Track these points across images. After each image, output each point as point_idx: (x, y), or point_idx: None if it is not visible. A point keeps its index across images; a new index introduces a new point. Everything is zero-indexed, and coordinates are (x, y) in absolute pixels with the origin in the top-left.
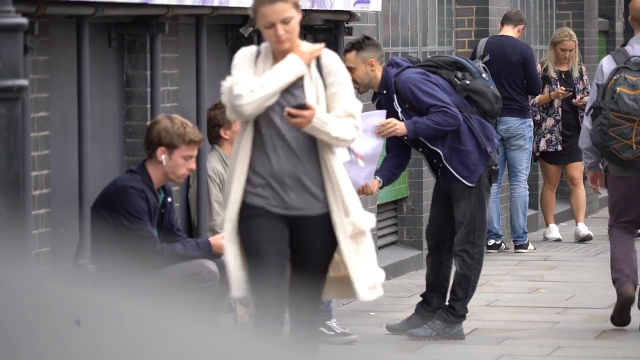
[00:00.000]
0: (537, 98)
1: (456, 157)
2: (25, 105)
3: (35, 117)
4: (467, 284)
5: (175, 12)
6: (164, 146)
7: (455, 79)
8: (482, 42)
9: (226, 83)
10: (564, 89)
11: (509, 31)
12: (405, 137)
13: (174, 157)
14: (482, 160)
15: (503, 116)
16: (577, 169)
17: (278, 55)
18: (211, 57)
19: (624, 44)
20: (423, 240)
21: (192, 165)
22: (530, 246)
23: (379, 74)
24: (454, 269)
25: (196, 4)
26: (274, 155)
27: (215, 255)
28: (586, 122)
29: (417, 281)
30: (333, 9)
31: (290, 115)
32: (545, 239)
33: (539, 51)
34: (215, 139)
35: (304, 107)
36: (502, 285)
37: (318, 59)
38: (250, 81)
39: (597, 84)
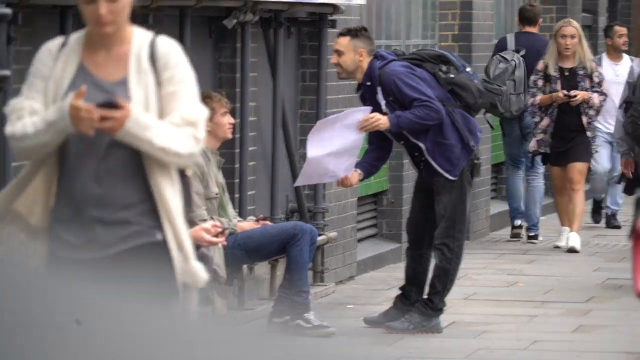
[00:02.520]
0: (539, 98)
1: (439, 151)
2: (8, 96)
3: None
4: (446, 278)
5: (159, 3)
6: None
7: (440, 73)
8: (511, 36)
9: (7, 107)
10: (564, 93)
11: (533, 29)
12: (388, 131)
13: None
14: (464, 154)
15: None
16: (577, 171)
17: (96, 41)
18: (195, 49)
19: None
20: (402, 233)
21: None
22: (540, 237)
23: (365, 65)
24: (433, 262)
25: None
26: (81, 176)
27: (195, 246)
28: (619, 115)
29: (395, 274)
30: (317, 1)
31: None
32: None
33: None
34: None
35: (114, 105)
36: (481, 279)
37: (152, 47)
38: (27, 114)
39: (628, 82)
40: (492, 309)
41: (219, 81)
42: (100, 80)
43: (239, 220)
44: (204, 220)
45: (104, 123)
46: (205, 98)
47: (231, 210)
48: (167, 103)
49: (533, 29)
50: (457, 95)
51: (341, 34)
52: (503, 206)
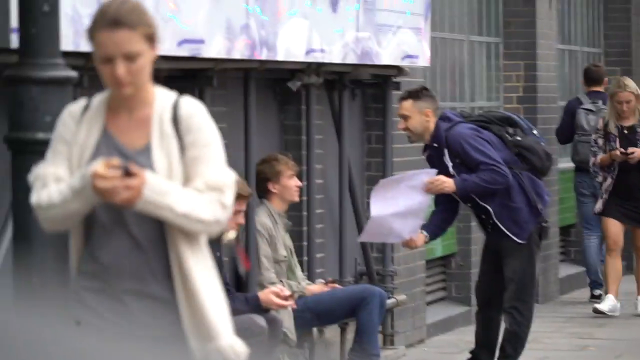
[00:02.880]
0: (599, 158)
1: (506, 214)
2: None
3: None
4: (516, 342)
5: (223, 65)
6: None
7: (507, 135)
8: (582, 95)
9: (31, 174)
10: (621, 151)
11: (600, 88)
12: (455, 194)
13: None
14: (532, 217)
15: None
16: None
17: (117, 103)
18: (259, 110)
19: None
20: (472, 296)
21: (241, 220)
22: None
23: (432, 125)
24: (503, 325)
25: (244, 57)
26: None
27: (264, 310)
28: None
29: (465, 337)
30: (381, 63)
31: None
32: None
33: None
34: (263, 193)
35: (128, 173)
36: (551, 343)
37: (175, 109)
38: (52, 182)
39: None
40: None
41: (285, 144)
42: (123, 147)
43: (307, 284)
44: (273, 284)
45: (119, 195)
46: (272, 160)
47: (300, 273)
48: (191, 168)
49: (599, 88)
50: (525, 158)
51: (403, 98)
52: (572, 269)
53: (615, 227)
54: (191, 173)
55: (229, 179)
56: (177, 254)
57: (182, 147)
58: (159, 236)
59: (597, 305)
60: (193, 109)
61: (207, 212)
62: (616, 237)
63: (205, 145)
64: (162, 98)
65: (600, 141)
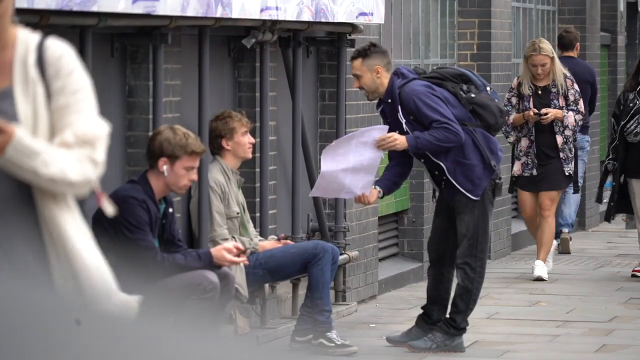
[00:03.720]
0: (512, 118)
1: (460, 171)
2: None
3: None
4: (468, 297)
5: (178, 23)
6: (166, 157)
7: (461, 92)
8: None
9: None
10: (535, 111)
11: (571, 53)
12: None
13: (175, 168)
14: (486, 174)
15: None
16: (548, 198)
17: None
18: (214, 68)
19: None
20: (424, 253)
21: (194, 176)
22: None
23: (385, 81)
24: (454, 281)
25: (199, 14)
26: None
27: (216, 266)
28: None
29: (417, 293)
30: (335, 21)
31: None
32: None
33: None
34: (217, 149)
35: None
36: (503, 298)
37: (40, 52)
38: None
39: None
40: (515, 328)
41: (239, 100)
42: None
43: (260, 240)
44: (226, 240)
45: None
46: (226, 117)
47: (252, 230)
48: (59, 118)
49: (571, 53)
50: (478, 114)
51: (353, 58)
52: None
53: (530, 200)
54: (59, 123)
55: (101, 131)
56: (45, 215)
57: (49, 94)
58: (20, 195)
59: (536, 274)
60: (60, 50)
61: (76, 173)
62: (532, 210)
63: (75, 92)
64: (25, 39)
65: (514, 100)
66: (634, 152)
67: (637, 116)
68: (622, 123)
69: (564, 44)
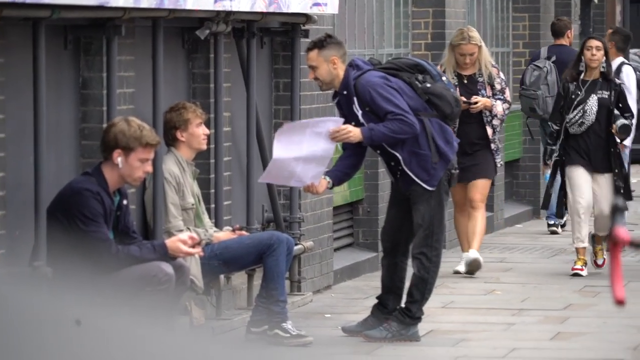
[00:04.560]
0: None
1: (415, 161)
2: None
3: None
4: (424, 287)
5: (131, 14)
6: (120, 149)
7: (416, 82)
8: (544, 49)
9: None
10: (464, 100)
11: (562, 41)
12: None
13: (130, 160)
14: (441, 164)
15: None
16: (479, 190)
17: None
18: (168, 59)
19: None
20: (379, 242)
21: (149, 168)
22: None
23: (341, 72)
24: (409, 270)
25: (152, 6)
26: None
27: (171, 257)
28: None
29: (372, 283)
30: (289, 11)
31: None
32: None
33: (495, 54)
34: (171, 141)
35: None
36: (458, 287)
37: None
38: None
39: None
40: (470, 317)
41: (193, 92)
42: None
43: (215, 231)
44: (181, 231)
45: None
46: (180, 109)
47: (207, 221)
48: None
49: (562, 41)
50: (434, 104)
51: (308, 49)
52: None
53: (461, 190)
54: None
55: None
56: None
57: None
58: None
59: (459, 269)
60: None
61: None
62: (462, 200)
63: None
64: None
65: None
66: (574, 143)
67: (580, 107)
68: (565, 114)
69: (555, 31)
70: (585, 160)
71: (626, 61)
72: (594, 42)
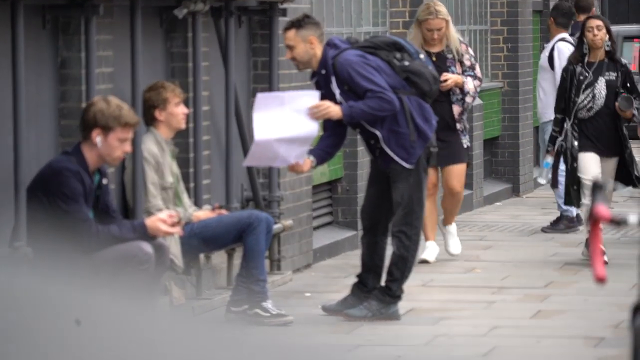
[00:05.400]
0: None
1: (394, 139)
2: None
3: None
4: (404, 265)
5: None
6: (100, 128)
7: (394, 60)
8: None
9: None
10: None
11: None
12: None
13: (109, 140)
14: (420, 143)
15: None
16: (456, 176)
17: None
18: (146, 38)
19: None
20: (358, 221)
21: (128, 147)
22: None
23: (318, 52)
24: (389, 249)
25: None
26: None
27: (151, 236)
28: None
29: (352, 261)
30: None
31: None
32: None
33: (472, 32)
34: (150, 120)
35: None
36: (438, 265)
37: None
38: None
39: None
40: (450, 295)
41: (172, 71)
42: None
43: (194, 210)
44: (160, 210)
45: None
46: (159, 88)
47: (187, 200)
48: None
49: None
50: (413, 82)
51: (286, 28)
52: None
53: (432, 172)
54: None
55: None
56: None
57: None
58: None
59: (424, 256)
60: None
61: None
62: (434, 182)
63: None
64: None
65: None
66: (584, 128)
67: (588, 90)
68: (574, 98)
69: (582, 7)
70: (594, 145)
71: (567, 37)
72: (594, 22)
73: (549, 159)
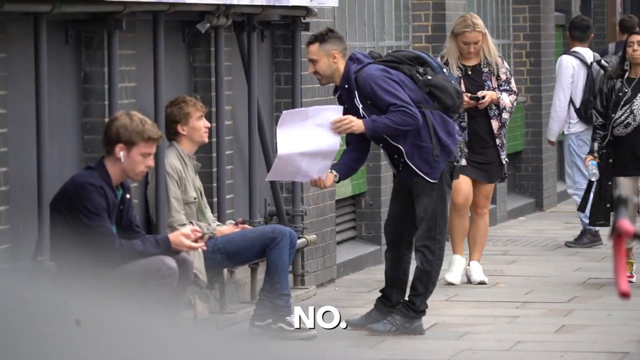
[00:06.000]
0: None
1: (418, 154)
2: None
3: None
4: (427, 280)
5: (132, 8)
6: (123, 143)
7: (417, 75)
8: (611, 45)
9: None
10: (471, 95)
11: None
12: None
13: (132, 154)
14: (443, 157)
15: None
16: (483, 194)
17: None
18: (169, 53)
19: None
20: (382, 235)
21: (151, 162)
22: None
23: (341, 66)
24: (413, 263)
25: (153, 0)
26: None
27: (174, 251)
28: None
29: (376, 276)
30: (290, 4)
31: None
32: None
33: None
34: (172, 135)
35: None
36: (462, 280)
37: None
38: None
39: None
40: (474, 310)
41: (194, 85)
42: None
43: (218, 225)
44: (183, 225)
45: None
46: (181, 102)
47: (210, 215)
48: None
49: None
50: (436, 96)
51: (309, 42)
52: None
53: (467, 185)
54: None
55: None
56: None
57: None
58: None
59: (449, 279)
60: None
61: None
62: (468, 196)
63: None
64: None
65: None
66: (620, 147)
67: (627, 106)
68: (611, 114)
69: (626, 27)
70: (629, 165)
71: (577, 51)
72: (636, 37)
73: (592, 159)
